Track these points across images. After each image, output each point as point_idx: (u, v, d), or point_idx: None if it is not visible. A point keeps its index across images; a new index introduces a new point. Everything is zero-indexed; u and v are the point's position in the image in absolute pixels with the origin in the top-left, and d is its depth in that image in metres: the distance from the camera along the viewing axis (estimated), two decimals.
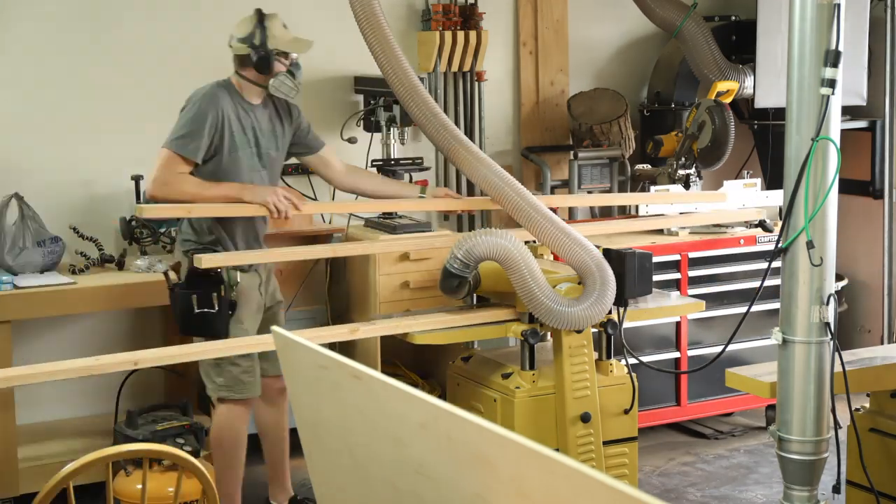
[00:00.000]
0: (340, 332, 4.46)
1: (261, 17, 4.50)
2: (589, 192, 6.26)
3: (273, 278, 4.78)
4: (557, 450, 4.33)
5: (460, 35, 6.04)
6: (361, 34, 4.39)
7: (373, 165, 5.81)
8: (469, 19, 6.12)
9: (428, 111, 4.45)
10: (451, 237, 4.80)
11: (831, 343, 3.74)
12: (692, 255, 5.74)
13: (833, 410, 3.79)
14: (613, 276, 4.33)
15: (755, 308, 4.27)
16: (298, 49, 4.54)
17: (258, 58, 4.44)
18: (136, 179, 5.36)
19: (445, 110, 6.13)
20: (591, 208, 6.37)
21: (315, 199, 5.89)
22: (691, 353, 5.76)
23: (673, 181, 5.89)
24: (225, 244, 4.50)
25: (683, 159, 5.90)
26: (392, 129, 5.71)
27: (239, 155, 4.45)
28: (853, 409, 4.01)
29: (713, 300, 5.62)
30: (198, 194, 4.33)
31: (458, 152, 4.51)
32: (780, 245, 3.77)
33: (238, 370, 4.50)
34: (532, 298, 4.23)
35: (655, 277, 4.78)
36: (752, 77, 6.10)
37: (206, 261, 4.22)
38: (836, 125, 3.70)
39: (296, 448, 2.58)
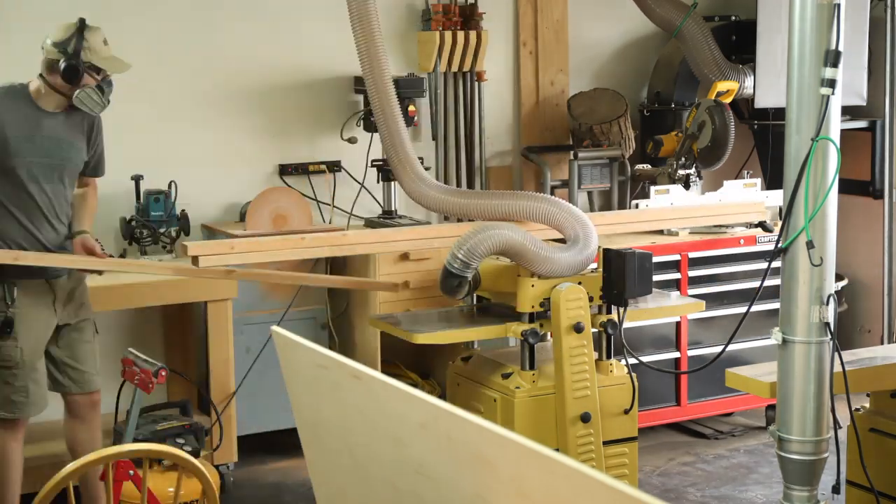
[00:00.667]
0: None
1: (81, 27, 4.22)
2: (589, 193, 6.27)
3: (82, 292, 4.45)
4: (557, 450, 4.33)
5: (460, 35, 6.04)
6: (353, 34, 4.43)
7: (373, 165, 5.82)
8: (469, 19, 6.12)
9: (392, 122, 4.53)
10: (450, 237, 4.79)
11: (831, 343, 3.74)
12: (692, 255, 5.74)
13: (833, 410, 3.79)
14: (591, 221, 4.46)
15: (755, 308, 4.26)
16: (114, 69, 4.29)
17: (67, 66, 4.17)
18: (136, 179, 5.36)
19: (445, 110, 6.14)
20: (591, 208, 6.37)
21: (315, 199, 5.90)
22: (691, 353, 5.75)
23: (673, 181, 5.89)
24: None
25: (683, 159, 5.90)
26: None
27: (14, 163, 4.19)
28: (853, 409, 4.01)
29: (713, 300, 5.62)
30: None
31: (404, 171, 4.58)
32: (779, 245, 3.77)
33: (9, 389, 4.25)
34: (545, 263, 4.29)
35: (655, 277, 4.78)
36: (752, 77, 6.10)
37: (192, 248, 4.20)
38: (836, 125, 3.69)
39: (296, 448, 2.58)
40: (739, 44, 6.40)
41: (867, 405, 4.20)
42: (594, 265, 4.55)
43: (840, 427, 3.85)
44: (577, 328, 4.34)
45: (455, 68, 6.12)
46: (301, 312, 5.57)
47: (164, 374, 4.20)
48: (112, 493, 3.21)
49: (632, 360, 4.63)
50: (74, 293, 4.41)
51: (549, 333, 4.48)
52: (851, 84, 5.62)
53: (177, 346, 5.58)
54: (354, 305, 5.68)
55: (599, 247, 4.49)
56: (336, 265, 5.78)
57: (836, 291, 3.78)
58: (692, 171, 5.91)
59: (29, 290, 4.25)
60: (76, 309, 4.41)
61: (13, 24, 5.37)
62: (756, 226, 5.80)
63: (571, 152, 6.18)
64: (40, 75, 4.26)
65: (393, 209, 5.82)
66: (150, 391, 4.26)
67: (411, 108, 5.73)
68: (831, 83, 3.62)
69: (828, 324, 3.72)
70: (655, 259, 4.80)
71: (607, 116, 6.24)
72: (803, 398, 3.76)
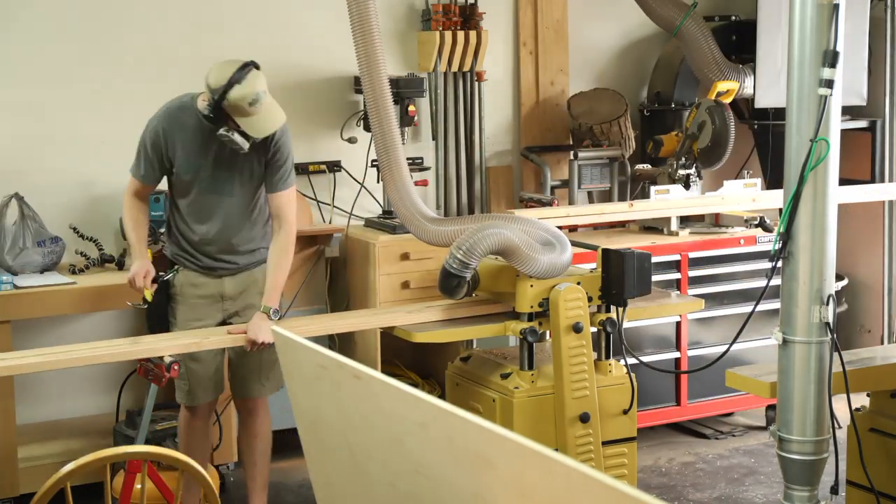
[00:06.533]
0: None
1: (236, 78, 4.16)
2: (589, 193, 6.27)
3: (256, 284, 4.46)
4: (556, 450, 4.33)
5: (460, 35, 6.04)
6: (352, 35, 4.43)
7: (373, 165, 5.82)
8: (469, 19, 6.12)
9: (386, 126, 4.51)
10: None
11: (831, 343, 3.74)
12: (692, 255, 5.74)
13: (832, 410, 3.79)
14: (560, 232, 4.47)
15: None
16: (251, 129, 4.19)
17: (209, 111, 4.21)
18: None
19: (445, 110, 6.13)
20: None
21: (315, 199, 5.90)
22: (691, 353, 5.75)
23: (673, 181, 5.89)
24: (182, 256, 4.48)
25: (683, 159, 5.90)
26: None
27: (184, 179, 4.35)
28: (853, 409, 4.01)
29: (713, 300, 5.61)
30: (126, 228, 4.50)
31: (392, 177, 4.55)
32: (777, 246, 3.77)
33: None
34: (531, 263, 4.27)
35: (655, 277, 4.78)
36: (752, 77, 6.10)
37: None
38: (835, 125, 3.69)
39: (296, 448, 2.58)
40: (739, 44, 6.40)
41: (867, 405, 4.20)
42: (593, 265, 4.55)
43: (840, 427, 3.85)
44: (576, 328, 4.34)
45: (455, 68, 6.12)
46: (301, 312, 5.56)
47: (176, 367, 4.19)
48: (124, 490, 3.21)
49: (631, 361, 4.63)
50: (249, 283, 4.47)
51: (547, 332, 4.48)
52: (851, 84, 5.62)
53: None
54: (354, 305, 5.68)
55: (599, 247, 4.48)
56: (336, 265, 5.78)
57: (836, 291, 3.78)
58: (692, 171, 5.91)
59: (190, 277, 4.42)
60: (243, 297, 4.46)
61: (12, 23, 5.37)
62: (756, 225, 5.80)
63: (571, 152, 6.18)
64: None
65: (393, 209, 5.81)
66: (163, 385, 4.24)
67: (411, 108, 5.73)
68: (829, 83, 3.62)
69: (828, 324, 3.72)
70: (655, 259, 4.80)
71: (607, 116, 6.24)
72: (803, 398, 3.76)
